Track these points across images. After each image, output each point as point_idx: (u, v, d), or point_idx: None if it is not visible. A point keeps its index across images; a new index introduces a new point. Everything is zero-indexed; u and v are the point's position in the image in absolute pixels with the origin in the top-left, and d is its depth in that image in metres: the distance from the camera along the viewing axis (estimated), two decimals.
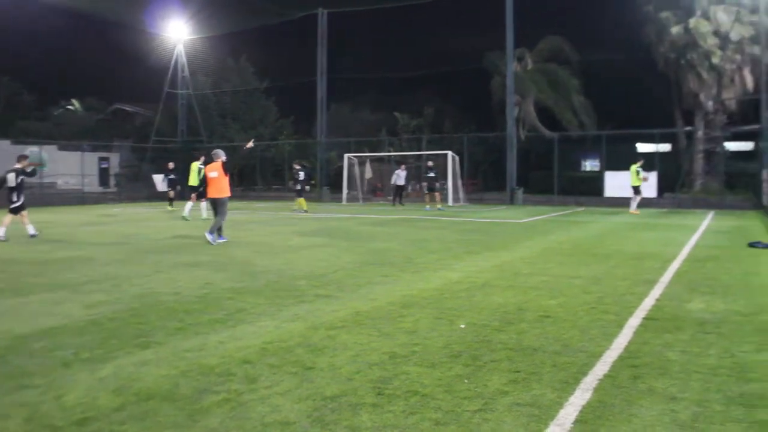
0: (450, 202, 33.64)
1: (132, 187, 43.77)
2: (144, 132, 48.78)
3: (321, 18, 42.69)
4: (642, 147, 42.09)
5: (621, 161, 35.71)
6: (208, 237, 14.22)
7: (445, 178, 34.62)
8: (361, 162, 39.79)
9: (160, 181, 40.23)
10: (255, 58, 52.49)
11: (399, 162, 41.47)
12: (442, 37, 54.37)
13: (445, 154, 35.07)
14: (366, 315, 6.95)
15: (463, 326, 6.43)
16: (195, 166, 23.68)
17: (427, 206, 28.95)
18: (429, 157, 33.26)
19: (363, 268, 10.36)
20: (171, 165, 29.47)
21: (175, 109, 47.30)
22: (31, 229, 15.89)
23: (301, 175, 27.64)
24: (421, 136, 47.08)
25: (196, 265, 10.75)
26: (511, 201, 34.20)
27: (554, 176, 35.33)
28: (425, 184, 29.81)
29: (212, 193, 14.59)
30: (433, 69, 47.43)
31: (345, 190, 37.24)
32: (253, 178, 48.02)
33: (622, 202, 31.68)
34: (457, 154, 35.82)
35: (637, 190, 26.77)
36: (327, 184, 41.52)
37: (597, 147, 38.91)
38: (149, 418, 4.14)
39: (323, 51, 42.80)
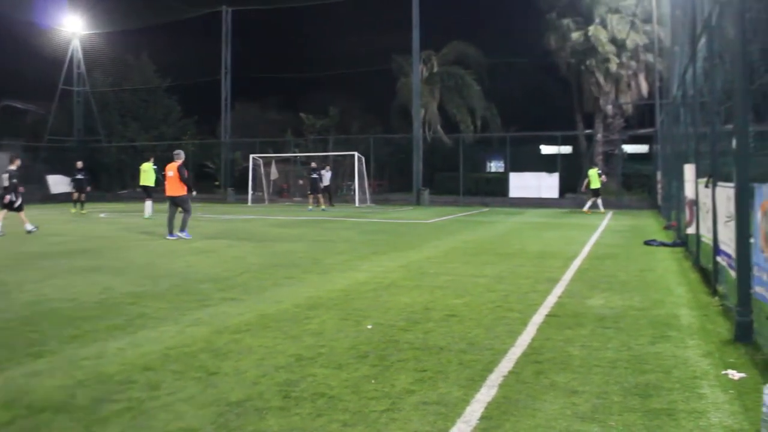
0: (356, 203, 33.75)
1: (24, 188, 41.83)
2: (36, 130, 46.64)
3: (225, 16, 42.08)
4: (545, 149, 43.49)
5: (525, 162, 36.73)
6: (182, 235, 15.50)
7: (351, 179, 34.73)
8: (267, 163, 39.42)
9: (57, 182, 38.61)
10: (157, 55, 51.19)
11: (308, 163, 41.31)
12: (349, 37, 54.46)
13: (352, 155, 35.20)
14: (272, 318, 6.88)
15: (369, 327, 6.45)
16: (147, 166, 24.13)
17: (310, 207, 29.14)
18: (313, 159, 33.46)
19: (269, 270, 10.25)
20: (80, 164, 28.09)
21: (71, 106, 45.50)
22: (28, 226, 17.33)
23: (326, 176, 28.56)
24: (327, 137, 47.04)
25: (94, 270, 10.37)
26: (418, 202, 34.63)
27: (460, 177, 36.02)
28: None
29: (169, 191, 15.62)
30: (339, 69, 47.60)
31: (250, 191, 36.78)
32: (156, 179, 46.85)
33: (526, 203, 32.63)
34: (364, 155, 36.00)
35: (596, 192, 27.41)
36: (232, 185, 40.91)
37: (502, 149, 39.93)
38: (41, 431, 3.96)
39: (227, 49, 42.21)
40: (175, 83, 50.17)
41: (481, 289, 8.60)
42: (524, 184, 33.97)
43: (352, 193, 35.05)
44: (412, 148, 36.62)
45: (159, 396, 4.52)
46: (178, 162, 15.69)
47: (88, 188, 29.08)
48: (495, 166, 48.21)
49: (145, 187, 23.93)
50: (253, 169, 37.42)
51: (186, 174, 15.64)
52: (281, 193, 41.91)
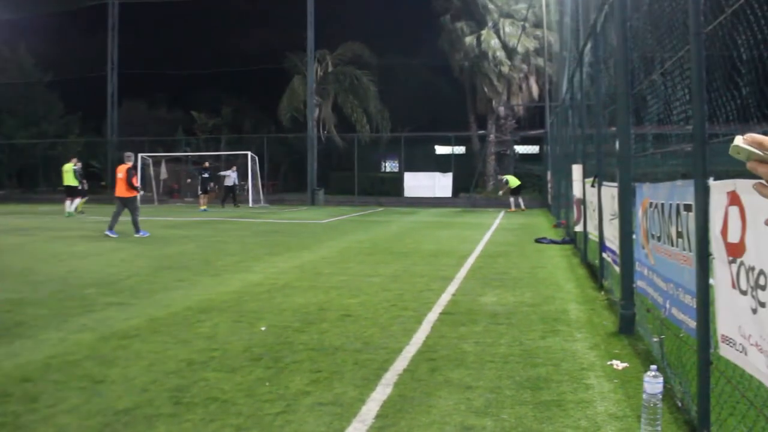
0: (250, 203, 33.35)
1: None
2: None
3: (112, 8, 40.63)
4: (439, 149, 44.30)
5: (419, 163, 37.30)
6: (141, 234, 15.99)
7: (245, 179, 34.27)
8: (156, 162, 38.34)
9: None
10: (37, 48, 48.72)
11: (201, 163, 40.43)
12: (242, 34, 53.80)
13: (245, 155, 34.73)
14: (161, 322, 6.70)
15: (263, 329, 6.39)
16: (69, 167, 23.92)
17: (203, 207, 28.68)
18: (207, 159, 32.96)
19: (158, 273, 10.00)
20: None
21: None
22: None
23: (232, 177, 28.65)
24: (219, 136, 46.27)
25: None
26: (313, 202, 34.57)
27: (355, 177, 36.20)
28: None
29: (118, 192, 16.22)
30: (231, 67, 46.84)
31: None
32: (35, 179, 44.64)
33: (421, 202, 33.13)
34: (257, 154, 35.61)
35: (517, 190, 28.29)
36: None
37: (396, 149, 40.39)
38: None
39: (114, 43, 40.81)
40: (58, 78, 48.01)
41: (376, 288, 8.67)
42: (419, 183, 34.53)
43: (246, 193, 34.58)
44: (306, 147, 36.52)
45: (38, 408, 4.31)
46: (128, 164, 16.34)
47: None
48: (390, 166, 48.74)
49: (68, 187, 24.07)
50: (142, 169, 36.30)
51: (135, 175, 16.40)
52: (171, 193, 40.87)
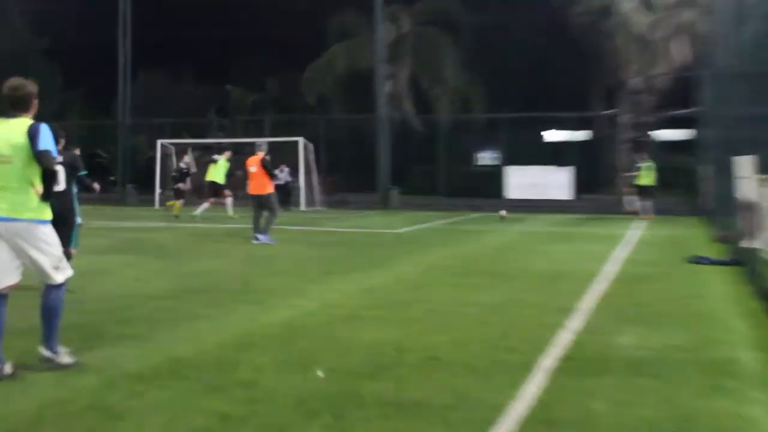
0: (302, 206, 33.64)
1: None
2: None
3: None
4: (551, 135, 43.93)
5: (526, 153, 37.03)
6: (264, 239, 17.30)
7: (295, 175, 34.61)
8: (181, 152, 39.07)
9: None
10: (30, 6, 50.47)
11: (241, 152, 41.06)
12: None
13: (295, 142, 35.08)
14: (187, 362, 6.77)
15: (321, 374, 6.40)
16: None
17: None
18: (226, 148, 33.26)
19: (182, 297, 10.14)
20: None
21: None
22: None
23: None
24: (262, 118, 46.88)
25: None
26: (385, 205, 34.65)
27: (440, 172, 36.14)
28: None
29: (253, 189, 17.75)
30: (277, 28, 47.36)
31: (158, 190, 36.46)
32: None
33: (529, 206, 32.78)
34: (312, 141, 35.91)
35: (645, 191, 27.57)
36: (133, 181, 40.46)
37: (494, 135, 40.19)
38: None
39: (127, 1, 41.81)
40: (56, 45, 49.57)
41: (472, 322, 8.58)
42: (526, 181, 34.23)
43: (297, 192, 34.92)
44: (376, 133, 36.64)
45: None
46: (261, 154, 17.79)
47: None
48: (487, 157, 48.51)
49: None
50: (163, 161, 37.08)
51: (271, 168, 17.93)
52: (200, 192, 41.57)
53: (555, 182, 33.42)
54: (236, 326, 8.33)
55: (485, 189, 37.59)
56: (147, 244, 17.55)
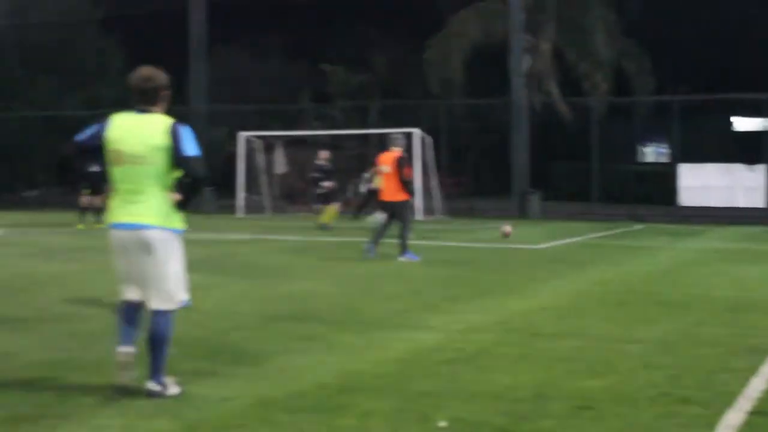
0: (420, 213, 33.66)
1: None
2: None
3: None
4: (742, 123, 42.93)
5: (705, 147, 36.20)
6: (407, 257, 17.46)
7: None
8: (268, 147, 39.57)
9: None
10: None
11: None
12: None
13: (409, 134, 35.14)
14: (280, 406, 6.87)
15: (443, 424, 6.40)
16: None
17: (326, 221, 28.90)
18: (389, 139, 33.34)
19: (273, 327, 10.31)
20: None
21: None
22: None
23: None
24: (368, 104, 46.96)
25: None
26: (522, 213, 34.43)
27: (593, 171, 35.70)
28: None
29: (387, 194, 17.87)
30: None
31: (241, 194, 36.90)
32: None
33: (709, 216, 32.15)
34: (431, 133, 35.84)
35: None
36: (211, 182, 41.15)
37: (663, 124, 39.52)
38: None
39: None
40: (116, 14, 50.42)
41: (634, 363, 8.50)
42: (704, 183, 33.56)
43: (412, 198, 35.02)
44: (510, 121, 36.42)
45: None
46: (397, 152, 17.86)
47: None
48: (653, 152, 47.76)
49: None
50: (247, 158, 37.45)
51: (408, 170, 18.02)
52: (292, 197, 42.06)
53: (744, 185, 32.69)
54: (339, 363, 8.40)
55: (651, 193, 37.07)
56: (229, 260, 17.83)
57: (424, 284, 14.34)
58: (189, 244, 20.09)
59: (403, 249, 17.55)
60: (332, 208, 27.55)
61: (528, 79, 39.58)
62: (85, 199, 27.89)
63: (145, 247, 6.92)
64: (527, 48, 39.52)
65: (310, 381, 7.68)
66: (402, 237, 17.69)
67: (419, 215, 33.47)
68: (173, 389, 7.11)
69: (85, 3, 51.32)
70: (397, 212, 17.77)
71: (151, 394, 7.00)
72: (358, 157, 42.28)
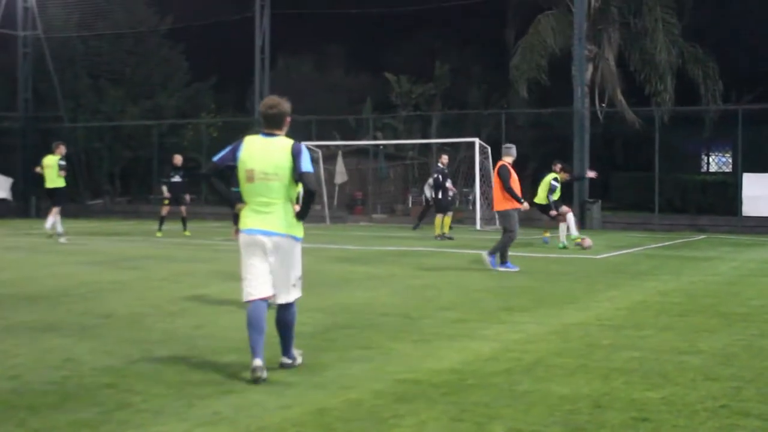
0: (478, 224, 33.60)
1: None
2: None
3: None
4: None
5: None
6: (488, 260, 17.68)
7: (470, 183, 34.62)
8: (330, 156, 39.73)
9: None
10: None
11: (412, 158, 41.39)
12: None
13: (471, 144, 35.08)
14: (336, 414, 6.90)
15: None
16: (52, 160, 25.80)
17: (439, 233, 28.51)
18: (444, 149, 33.26)
19: (329, 335, 10.36)
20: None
21: (11, 63, 46.89)
22: None
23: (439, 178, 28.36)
24: (429, 113, 47.00)
25: (48, 329, 10.70)
26: (582, 223, 34.24)
27: (655, 181, 35.44)
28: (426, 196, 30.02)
29: (495, 204, 18.27)
30: (448, 2, 47.48)
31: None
32: (148, 183, 47.81)
33: None
34: (489, 143, 35.79)
35: None
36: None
37: (727, 132, 39.06)
38: None
39: None
40: (181, 25, 50.82)
41: (693, 375, 8.42)
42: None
43: (471, 207, 34.97)
44: (570, 130, 36.28)
45: None
46: (506, 160, 18.28)
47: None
48: (716, 161, 47.25)
49: (51, 191, 26.22)
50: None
51: (511, 176, 17.98)
52: (353, 206, 42.19)
53: None
54: (395, 372, 8.39)
55: (715, 203, 36.66)
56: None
57: (482, 294, 14.33)
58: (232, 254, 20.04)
59: (502, 259, 17.72)
60: (446, 218, 27.61)
61: (590, 88, 39.35)
62: (165, 209, 29.16)
63: (276, 251, 8.26)
64: (590, 57, 39.26)
65: (366, 390, 7.71)
66: (502, 246, 17.82)
67: (478, 225, 33.43)
68: (299, 359, 8.68)
69: (152, 14, 51.69)
70: (501, 221, 18.22)
71: (284, 366, 8.56)
72: (420, 167, 42.34)
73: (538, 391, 7.71)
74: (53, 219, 25.52)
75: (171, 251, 22.48)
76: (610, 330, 10.92)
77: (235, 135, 47.09)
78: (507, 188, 17.72)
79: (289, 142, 8.37)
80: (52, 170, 25.60)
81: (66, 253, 22.15)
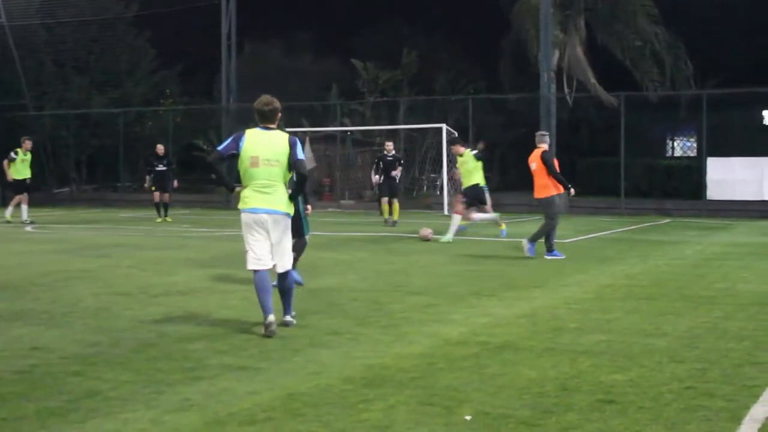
0: (446, 209, 33.65)
1: None
2: None
3: None
4: None
5: (733, 141, 35.91)
6: (527, 246, 17.60)
7: (437, 168, 34.64)
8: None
9: None
10: None
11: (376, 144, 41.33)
12: None
13: (438, 130, 35.11)
14: (304, 399, 6.90)
15: (468, 418, 6.41)
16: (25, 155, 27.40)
17: (387, 217, 28.39)
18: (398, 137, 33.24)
19: (300, 321, 10.29)
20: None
21: None
22: None
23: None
24: (397, 99, 46.99)
25: (15, 318, 10.66)
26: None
27: (620, 166, 35.57)
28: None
29: (536, 191, 18.09)
30: None
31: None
32: (114, 170, 47.57)
33: (736, 209, 31.98)
34: (457, 129, 35.82)
35: None
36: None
37: (692, 117, 39.25)
38: None
39: None
40: (146, 11, 50.52)
41: (658, 357, 8.48)
42: (732, 177, 33.32)
43: (438, 192, 35.01)
44: (537, 116, 36.33)
45: None
46: (542, 147, 18.14)
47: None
48: (681, 147, 47.45)
49: (16, 183, 27.93)
50: None
51: (554, 164, 17.92)
52: (321, 192, 42.15)
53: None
54: (364, 357, 8.42)
55: (679, 187, 36.85)
56: None
57: (450, 279, 14.36)
58: (212, 242, 20.21)
59: (549, 248, 17.56)
60: (395, 204, 27.57)
61: (558, 75, 39.31)
62: (156, 195, 30.26)
63: (276, 226, 9.68)
64: (555, 43, 39.21)
65: (334, 375, 7.72)
66: (542, 233, 17.66)
67: (445, 210, 33.48)
68: (293, 321, 10.02)
69: (117, 0, 51.33)
70: (543, 208, 18.21)
71: (287, 324, 9.90)
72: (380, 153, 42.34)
73: (506, 374, 7.74)
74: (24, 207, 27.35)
75: (140, 239, 22.39)
76: (577, 313, 10.98)
77: (200, 122, 47.07)
78: (554, 173, 17.70)
79: (286, 134, 9.79)
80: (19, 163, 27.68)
81: (33, 242, 22.08)
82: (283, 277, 9.93)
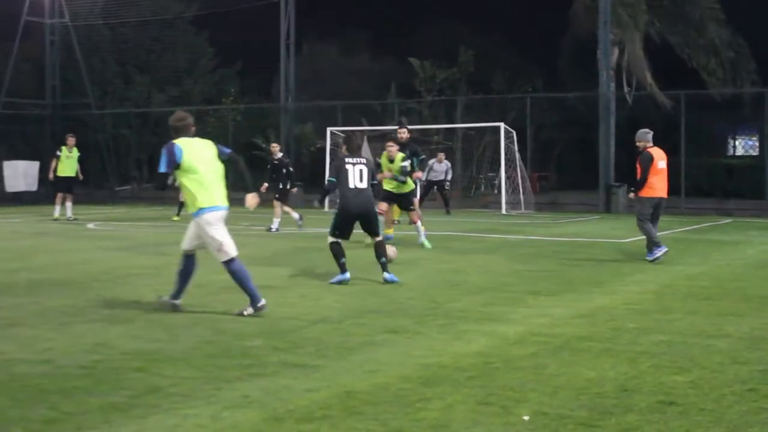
0: (503, 208, 33.55)
1: None
2: None
3: None
4: None
5: None
6: (658, 252, 16.62)
7: (494, 168, 34.52)
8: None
9: (18, 172, 40.19)
10: None
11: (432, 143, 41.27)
12: None
13: (495, 128, 34.98)
14: (363, 398, 6.93)
15: (526, 418, 6.41)
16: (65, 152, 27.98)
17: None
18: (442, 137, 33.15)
19: (357, 320, 10.39)
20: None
21: (39, 51, 47.01)
22: None
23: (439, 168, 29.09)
24: (454, 97, 46.87)
25: (78, 314, 10.81)
26: (607, 207, 34.16)
27: (681, 165, 35.25)
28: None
29: (664, 189, 17.67)
30: None
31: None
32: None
33: None
34: (515, 128, 35.66)
35: None
36: (299, 177, 41.38)
37: (755, 115, 38.79)
38: None
39: None
40: (206, 11, 50.80)
41: (720, 359, 8.41)
42: None
43: (496, 191, 34.89)
44: (597, 115, 36.10)
45: None
46: (650, 146, 17.61)
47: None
48: (743, 145, 46.87)
49: (60, 180, 28.56)
50: (333, 152, 37.51)
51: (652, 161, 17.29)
52: (379, 191, 42.03)
53: None
54: (422, 356, 8.44)
55: (742, 187, 36.46)
56: (313, 254, 17.94)
57: (508, 279, 14.35)
58: (271, 240, 20.38)
59: (654, 245, 16.92)
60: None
61: (617, 73, 39.04)
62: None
63: (226, 220, 10.95)
64: (615, 41, 38.93)
65: (392, 373, 7.75)
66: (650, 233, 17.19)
67: (503, 209, 33.35)
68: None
69: (177, 1, 51.69)
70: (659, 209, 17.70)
71: (174, 306, 11.07)
72: (445, 152, 42.21)
73: (564, 374, 7.74)
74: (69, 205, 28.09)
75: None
76: (636, 314, 10.93)
77: (259, 121, 47.27)
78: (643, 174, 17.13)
79: (209, 140, 11.33)
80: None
81: (95, 239, 22.33)
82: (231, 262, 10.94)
